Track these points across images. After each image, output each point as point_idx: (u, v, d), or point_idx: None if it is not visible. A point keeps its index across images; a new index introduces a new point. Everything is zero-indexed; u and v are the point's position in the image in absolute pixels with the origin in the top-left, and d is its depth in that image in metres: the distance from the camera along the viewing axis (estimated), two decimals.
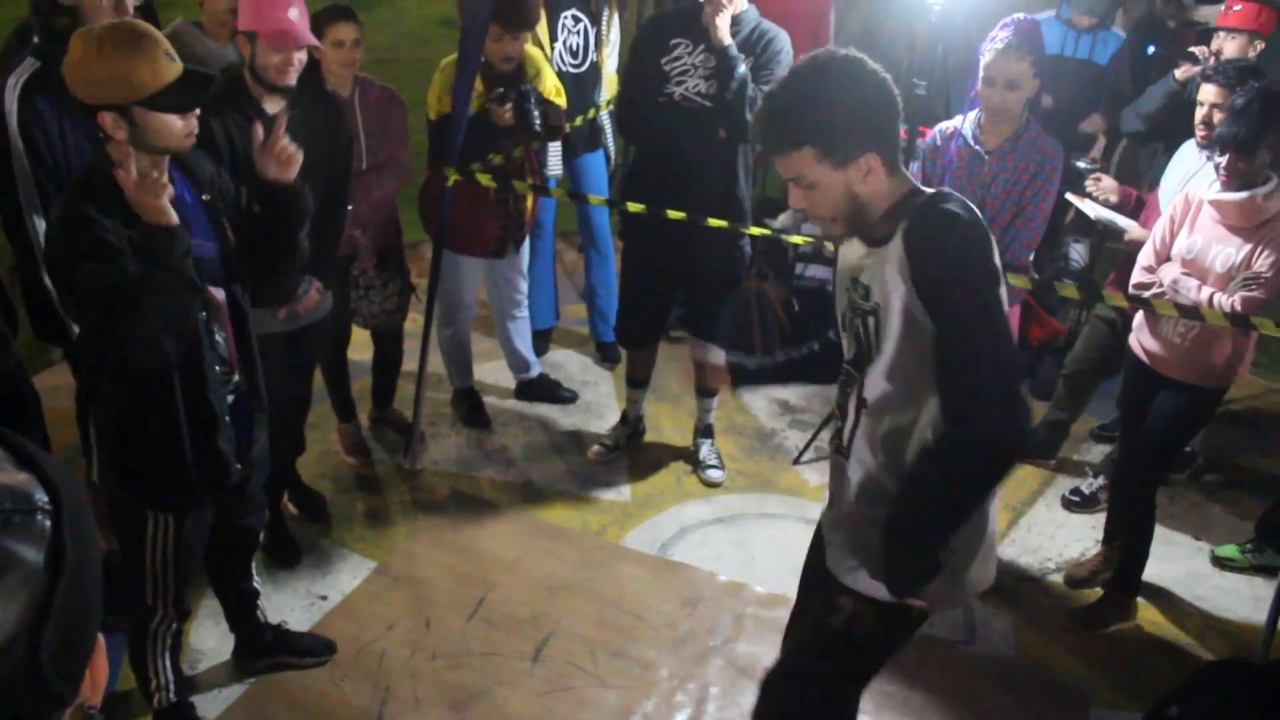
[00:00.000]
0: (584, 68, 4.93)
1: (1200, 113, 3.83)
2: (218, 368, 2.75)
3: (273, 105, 3.36)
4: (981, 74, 3.59)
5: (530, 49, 4.32)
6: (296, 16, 3.24)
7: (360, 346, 4.60)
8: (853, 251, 2.26)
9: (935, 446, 2.12)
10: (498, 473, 4.53)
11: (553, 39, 4.80)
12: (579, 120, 4.85)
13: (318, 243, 3.56)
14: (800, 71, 2.10)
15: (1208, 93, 3.80)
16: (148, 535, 2.81)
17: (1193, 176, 3.79)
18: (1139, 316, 3.76)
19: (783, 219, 6.23)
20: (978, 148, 3.69)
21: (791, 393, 5.26)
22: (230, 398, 2.83)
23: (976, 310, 2.04)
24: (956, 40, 5.09)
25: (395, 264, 4.30)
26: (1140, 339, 3.76)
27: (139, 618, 2.99)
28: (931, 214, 2.09)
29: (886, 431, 2.22)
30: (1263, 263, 3.37)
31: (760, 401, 5.19)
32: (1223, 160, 3.37)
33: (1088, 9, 5.19)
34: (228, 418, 2.79)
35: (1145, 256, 3.71)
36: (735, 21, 3.95)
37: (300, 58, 3.31)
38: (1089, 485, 4.55)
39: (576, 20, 4.87)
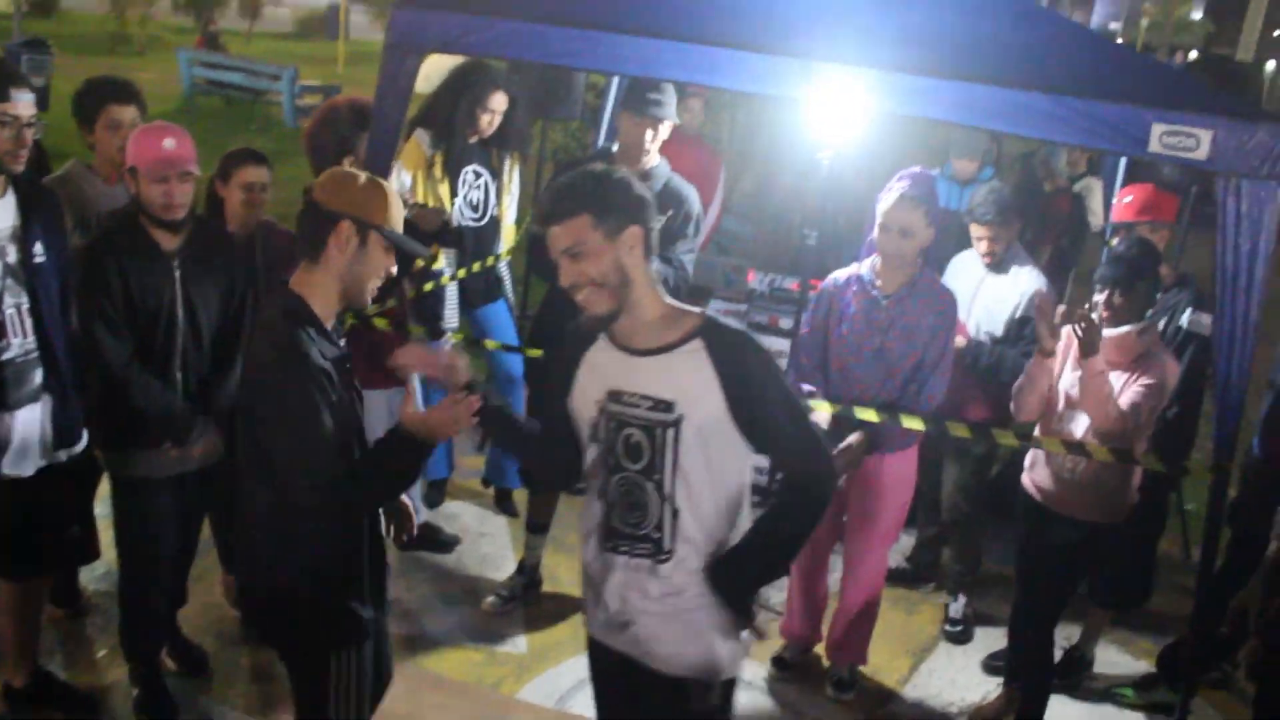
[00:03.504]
0: (484, 221, 4.99)
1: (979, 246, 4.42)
2: None
3: (167, 243, 3.36)
4: (878, 221, 3.76)
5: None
6: (173, 145, 3.27)
7: None
8: (614, 361, 2.51)
9: (787, 503, 2.54)
10: (390, 624, 4.36)
11: (454, 194, 4.86)
12: (476, 267, 4.90)
13: (211, 385, 3.51)
14: (581, 169, 2.47)
15: (977, 230, 4.37)
16: (332, 680, 2.72)
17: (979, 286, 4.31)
18: (1030, 455, 3.87)
19: None
20: (875, 293, 3.83)
21: None
22: None
23: (791, 396, 2.50)
24: (845, 199, 5.34)
25: None
26: (1032, 477, 3.85)
27: None
28: (724, 328, 2.48)
29: (707, 521, 2.49)
30: (1134, 389, 3.54)
31: None
32: (1102, 298, 3.56)
33: (968, 153, 5.52)
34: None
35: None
36: (647, 176, 4.08)
37: (184, 191, 3.32)
38: (957, 609, 4.63)
39: (478, 175, 4.96)
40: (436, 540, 4.93)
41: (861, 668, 4.25)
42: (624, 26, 3.45)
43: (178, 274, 3.38)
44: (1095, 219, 7.13)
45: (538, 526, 4.63)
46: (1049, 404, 3.74)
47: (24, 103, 3.06)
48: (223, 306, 3.52)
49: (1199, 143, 3.00)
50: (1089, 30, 4.51)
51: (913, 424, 3.76)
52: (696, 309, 2.52)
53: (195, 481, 3.60)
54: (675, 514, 2.47)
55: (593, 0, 3.75)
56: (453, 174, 4.86)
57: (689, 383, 2.41)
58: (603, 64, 3.64)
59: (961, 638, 4.60)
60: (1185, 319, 4.26)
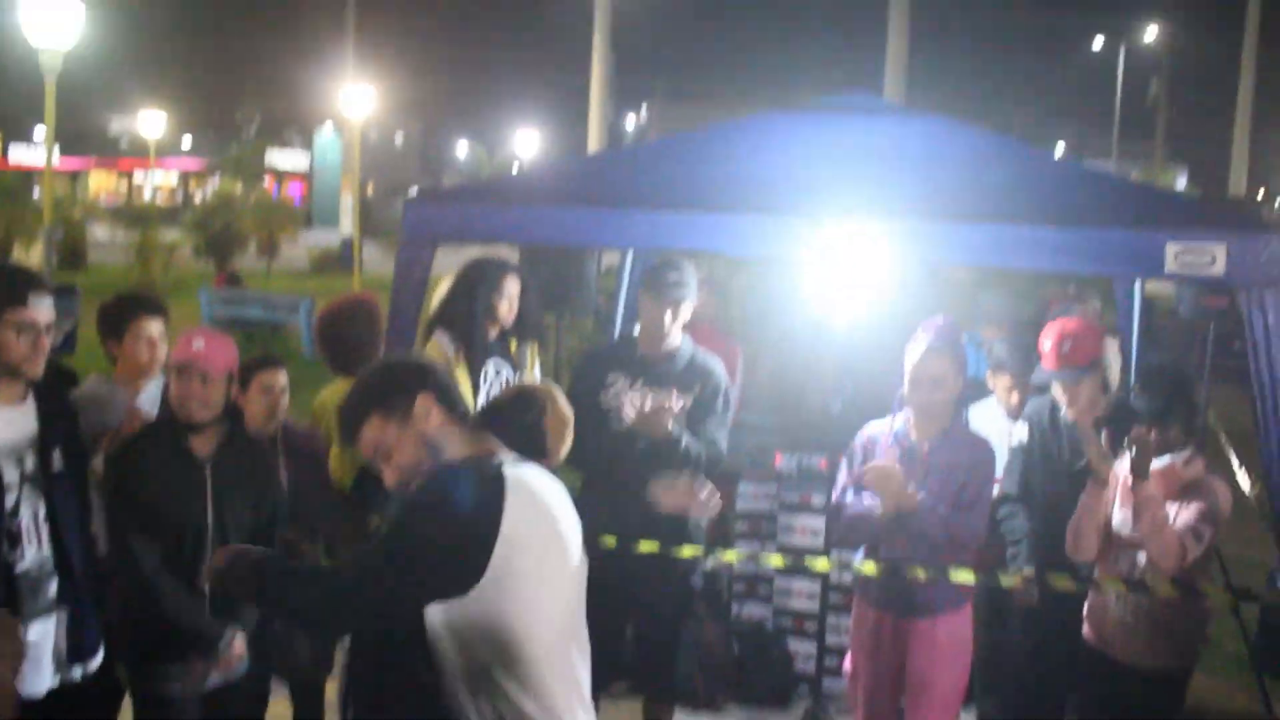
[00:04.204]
0: None
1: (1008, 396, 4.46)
2: None
3: (200, 449, 3.35)
4: (907, 375, 3.70)
5: None
6: (200, 346, 3.31)
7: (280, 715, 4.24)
8: None
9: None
10: None
11: (475, 390, 4.83)
12: None
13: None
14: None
15: (1003, 380, 4.47)
16: None
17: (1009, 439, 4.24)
18: (1088, 603, 3.70)
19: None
20: (910, 443, 3.74)
21: None
22: None
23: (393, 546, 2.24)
24: (863, 365, 5.31)
25: None
26: (1093, 626, 3.67)
27: None
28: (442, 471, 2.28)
29: None
30: (1186, 514, 3.41)
31: None
32: (1137, 432, 3.46)
33: (998, 321, 5.58)
34: None
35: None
36: (670, 356, 4.11)
37: (203, 392, 3.30)
38: None
39: (498, 371, 4.94)
40: None
41: None
42: (630, 203, 3.52)
43: (209, 481, 3.35)
44: (1111, 373, 7.07)
45: None
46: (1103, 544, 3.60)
47: (42, 308, 3.08)
48: (252, 514, 3.46)
49: (1214, 259, 2.99)
50: (1088, 168, 4.57)
51: (962, 577, 3.60)
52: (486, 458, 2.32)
53: (221, 698, 3.44)
54: None
55: (598, 182, 3.85)
56: (474, 371, 4.84)
57: None
58: (612, 239, 3.71)
59: None
60: None
